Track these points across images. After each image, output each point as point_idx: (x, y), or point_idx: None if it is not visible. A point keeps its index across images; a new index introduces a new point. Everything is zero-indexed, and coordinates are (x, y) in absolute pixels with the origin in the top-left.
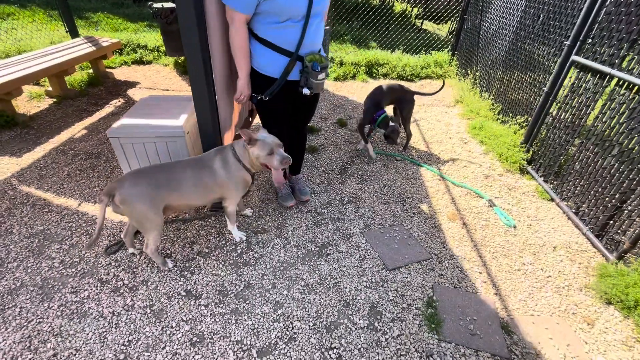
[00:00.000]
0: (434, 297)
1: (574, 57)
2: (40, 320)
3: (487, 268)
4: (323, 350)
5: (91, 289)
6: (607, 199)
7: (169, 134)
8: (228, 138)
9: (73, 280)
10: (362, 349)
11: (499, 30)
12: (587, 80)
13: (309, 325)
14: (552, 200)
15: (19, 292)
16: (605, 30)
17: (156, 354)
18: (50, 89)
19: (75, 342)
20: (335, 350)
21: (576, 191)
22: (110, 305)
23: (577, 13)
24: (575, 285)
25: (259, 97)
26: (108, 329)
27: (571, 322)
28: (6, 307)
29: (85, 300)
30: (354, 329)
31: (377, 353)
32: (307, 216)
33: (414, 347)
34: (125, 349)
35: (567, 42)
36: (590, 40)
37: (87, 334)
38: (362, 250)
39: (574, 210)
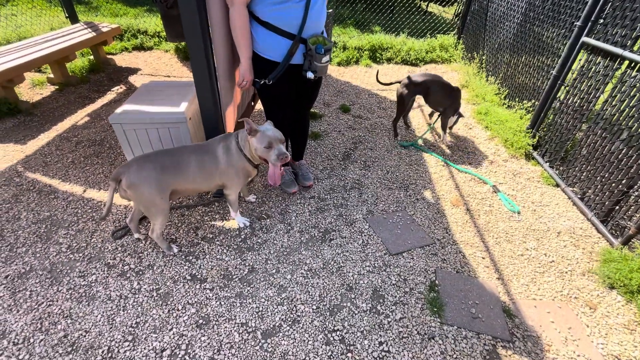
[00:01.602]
0: (436, 282)
1: (584, 39)
2: (50, 303)
3: (490, 253)
4: (326, 332)
5: (99, 273)
6: (613, 184)
7: (171, 120)
8: (230, 124)
9: (81, 265)
10: (364, 331)
11: (507, 12)
12: (597, 62)
13: (313, 309)
14: (558, 185)
15: (28, 276)
16: (618, 10)
17: (163, 335)
18: (52, 75)
19: (85, 323)
20: (338, 332)
21: (582, 176)
22: (118, 288)
23: None
24: (579, 270)
25: (262, 82)
26: (116, 312)
27: (573, 306)
28: (17, 290)
29: (93, 284)
30: (356, 312)
31: (380, 335)
32: (310, 202)
33: (416, 330)
34: (133, 330)
35: (578, 23)
36: (601, 21)
37: (96, 316)
38: (365, 235)
39: (579, 196)
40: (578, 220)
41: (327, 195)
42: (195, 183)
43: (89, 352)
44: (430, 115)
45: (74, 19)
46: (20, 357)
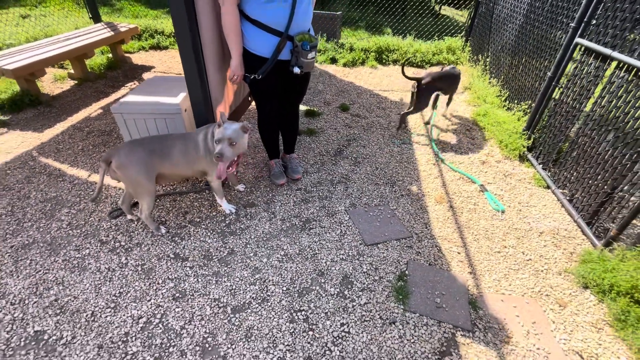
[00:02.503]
0: (407, 272)
1: (577, 40)
2: (47, 271)
3: (466, 249)
4: (292, 311)
5: (92, 248)
6: (599, 185)
7: (167, 111)
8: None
9: (77, 240)
10: (328, 312)
11: (510, 14)
12: (589, 63)
13: (283, 290)
14: (548, 187)
15: (31, 247)
16: (609, 11)
17: (142, 305)
18: (72, 71)
19: (74, 290)
20: (303, 312)
21: (572, 178)
22: (107, 262)
23: None
24: (555, 269)
25: (252, 77)
26: (103, 282)
27: (542, 303)
28: (19, 259)
29: (85, 257)
30: (324, 295)
31: (343, 317)
32: (296, 193)
33: (378, 315)
34: (116, 299)
35: (572, 24)
36: (594, 22)
37: (85, 285)
38: (343, 226)
39: (568, 198)
40: (564, 222)
41: (314, 187)
42: (179, 168)
43: (75, 315)
44: (435, 101)
45: (97, 19)
46: (15, 315)
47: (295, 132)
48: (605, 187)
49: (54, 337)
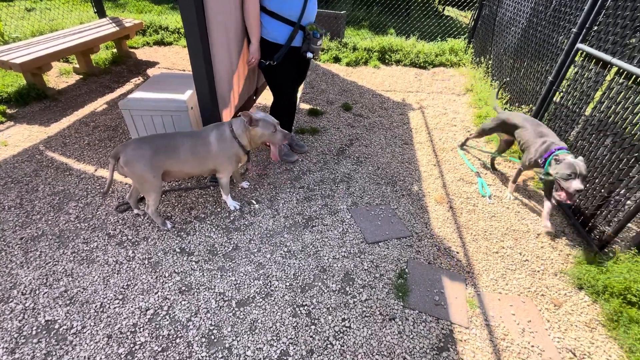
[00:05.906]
0: (407, 270)
1: (579, 45)
2: (56, 263)
3: (465, 249)
4: (295, 306)
5: (100, 241)
6: (596, 189)
7: (174, 108)
8: (226, 114)
9: (85, 233)
10: (330, 308)
11: (513, 17)
12: (589, 69)
13: (286, 285)
14: None
15: (40, 240)
16: (611, 17)
17: (149, 297)
18: (77, 66)
19: (83, 282)
20: (305, 307)
21: None
22: (115, 255)
23: None
24: (551, 270)
25: (267, 63)
26: (111, 274)
27: (538, 302)
28: (29, 250)
29: (94, 250)
30: (326, 291)
31: (344, 312)
32: (299, 191)
33: (378, 311)
34: (124, 291)
35: (574, 29)
36: (595, 28)
37: (93, 277)
38: (345, 224)
39: None
40: (562, 225)
41: (317, 186)
42: (187, 166)
43: (84, 306)
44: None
45: (101, 14)
46: (27, 304)
47: (293, 116)
48: (602, 190)
49: (65, 327)
